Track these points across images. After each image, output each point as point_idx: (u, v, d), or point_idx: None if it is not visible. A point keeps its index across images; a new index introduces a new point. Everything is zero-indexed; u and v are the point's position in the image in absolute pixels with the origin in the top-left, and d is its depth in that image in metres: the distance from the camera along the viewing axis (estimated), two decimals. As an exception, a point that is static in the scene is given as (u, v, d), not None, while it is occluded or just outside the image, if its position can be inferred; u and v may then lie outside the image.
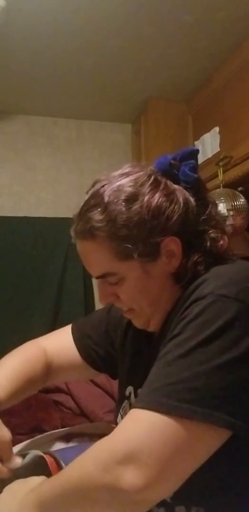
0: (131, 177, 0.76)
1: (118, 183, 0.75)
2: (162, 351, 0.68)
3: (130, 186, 0.75)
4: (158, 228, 0.73)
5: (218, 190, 2.13)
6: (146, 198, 0.74)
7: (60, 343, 1.09)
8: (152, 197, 0.74)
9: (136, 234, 0.73)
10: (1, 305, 2.61)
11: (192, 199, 0.77)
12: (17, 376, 0.94)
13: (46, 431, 1.67)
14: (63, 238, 2.74)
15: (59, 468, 0.84)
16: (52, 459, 0.87)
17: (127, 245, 0.73)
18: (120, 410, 0.90)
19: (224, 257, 0.79)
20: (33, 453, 0.91)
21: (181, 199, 0.75)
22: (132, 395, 0.87)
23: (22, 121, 2.87)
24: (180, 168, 0.78)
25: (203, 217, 0.78)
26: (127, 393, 0.89)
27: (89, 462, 0.65)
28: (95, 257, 0.78)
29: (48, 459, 0.87)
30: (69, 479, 0.67)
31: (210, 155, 2.37)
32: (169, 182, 0.77)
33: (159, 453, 0.60)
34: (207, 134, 2.40)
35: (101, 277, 0.78)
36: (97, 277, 0.79)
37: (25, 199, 2.85)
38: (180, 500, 0.73)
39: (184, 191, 0.77)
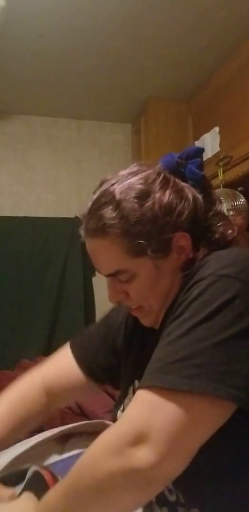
0: (140, 175, 0.76)
1: (128, 181, 0.76)
2: (164, 333, 0.69)
3: (140, 183, 0.75)
4: (169, 224, 0.74)
5: (218, 190, 2.13)
6: (157, 195, 0.74)
7: (59, 366, 1.05)
8: (163, 194, 0.74)
9: (148, 230, 0.73)
10: (2, 305, 2.61)
11: (199, 196, 0.78)
12: (9, 419, 0.94)
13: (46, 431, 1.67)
14: (63, 238, 2.75)
15: (56, 482, 0.84)
16: (49, 474, 0.87)
17: (140, 241, 0.74)
18: (121, 406, 0.90)
19: (229, 246, 0.80)
20: (30, 471, 0.90)
21: (190, 196, 0.76)
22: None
23: (22, 121, 2.87)
24: (186, 166, 0.79)
25: (211, 213, 0.79)
26: (131, 390, 0.88)
27: (99, 451, 0.65)
28: (107, 255, 0.77)
29: (46, 475, 0.87)
30: (81, 474, 0.67)
31: (210, 155, 2.37)
32: (177, 180, 0.78)
33: (166, 429, 0.61)
34: (207, 134, 2.40)
35: (113, 275, 0.78)
36: (108, 275, 0.79)
37: (25, 199, 2.85)
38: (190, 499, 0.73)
39: (192, 188, 0.78)
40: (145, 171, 0.78)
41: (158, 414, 0.62)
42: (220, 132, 2.30)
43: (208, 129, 2.39)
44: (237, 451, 0.70)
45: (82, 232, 0.81)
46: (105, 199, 0.76)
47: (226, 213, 2.01)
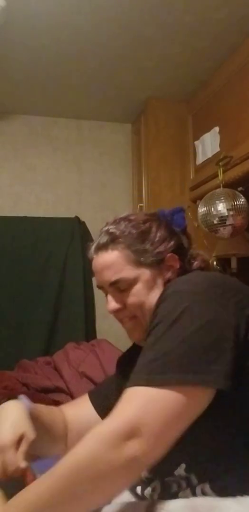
0: (139, 216, 1.02)
1: (131, 217, 1.01)
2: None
3: (142, 218, 1.01)
4: (163, 247, 0.98)
5: (218, 190, 2.13)
6: (154, 225, 1.00)
7: (80, 410, 1.15)
8: (159, 226, 1.00)
9: (147, 248, 0.96)
10: (1, 305, 2.61)
11: (183, 236, 1.05)
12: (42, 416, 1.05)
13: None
14: (63, 238, 2.75)
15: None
16: (29, 471, 0.88)
17: (141, 254, 0.96)
18: None
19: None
20: None
21: (175, 232, 1.03)
22: None
23: (22, 121, 2.87)
24: (172, 218, 1.05)
25: (189, 250, 1.04)
26: None
27: (94, 443, 0.74)
28: (114, 264, 0.96)
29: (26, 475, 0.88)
30: (77, 467, 0.73)
31: (210, 155, 2.38)
32: (167, 222, 1.03)
33: (156, 420, 0.72)
34: (207, 134, 2.40)
35: (115, 282, 0.95)
36: (111, 284, 0.96)
37: (25, 199, 2.85)
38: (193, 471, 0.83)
39: (178, 230, 1.04)
40: (148, 216, 1.03)
41: (147, 408, 0.73)
42: (220, 132, 2.30)
43: (208, 129, 2.39)
44: (238, 428, 0.81)
45: (92, 251, 0.99)
46: (114, 226, 0.99)
47: (226, 213, 2.03)
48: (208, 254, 2.69)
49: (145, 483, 0.90)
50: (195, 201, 2.49)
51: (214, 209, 2.08)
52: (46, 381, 2.04)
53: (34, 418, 0.97)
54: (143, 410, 0.72)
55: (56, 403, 1.94)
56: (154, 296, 0.94)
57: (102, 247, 0.97)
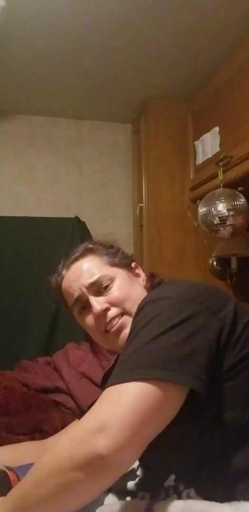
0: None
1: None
2: None
3: (108, 244, 1.13)
4: (129, 257, 1.13)
5: (218, 190, 2.13)
6: (118, 248, 1.13)
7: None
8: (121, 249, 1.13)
9: (117, 254, 1.09)
10: (1, 305, 2.61)
11: None
12: None
13: (46, 431, 1.67)
14: (63, 238, 2.74)
15: None
16: (15, 477, 0.89)
17: (113, 257, 1.07)
18: None
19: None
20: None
21: None
22: None
23: (22, 121, 2.87)
24: None
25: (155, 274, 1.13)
26: None
27: (64, 440, 0.74)
28: (90, 267, 1.04)
29: (11, 476, 0.89)
30: (43, 461, 0.75)
31: (210, 155, 2.37)
32: None
33: (125, 417, 0.70)
34: (207, 134, 2.40)
35: (95, 282, 1.01)
36: (91, 284, 1.01)
37: (25, 199, 2.85)
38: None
39: None
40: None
41: (117, 405, 0.72)
42: (220, 132, 2.30)
43: (208, 129, 2.39)
44: (221, 434, 0.80)
45: (71, 260, 1.10)
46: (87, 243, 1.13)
47: (226, 213, 2.03)
48: (208, 254, 2.71)
49: (133, 493, 0.89)
50: (195, 201, 2.49)
51: (214, 209, 2.08)
52: (46, 381, 2.04)
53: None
54: (110, 406, 0.73)
55: (56, 403, 1.94)
56: (137, 290, 1.02)
57: (77, 258, 1.07)
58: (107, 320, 1.00)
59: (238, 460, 0.79)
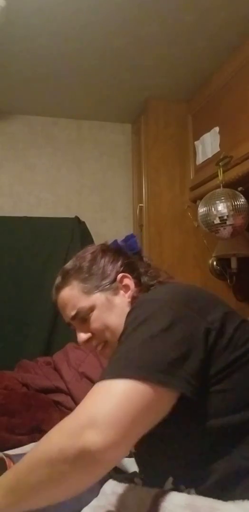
0: (90, 249, 1.11)
1: (80, 254, 1.11)
2: None
3: (90, 253, 1.10)
4: (110, 268, 1.06)
5: (218, 190, 2.13)
6: (99, 256, 1.08)
7: None
8: (104, 254, 1.09)
9: (94, 273, 1.05)
10: (1, 305, 2.61)
11: (138, 258, 1.15)
12: None
13: (46, 432, 1.67)
14: (63, 238, 2.74)
15: None
16: (11, 462, 0.91)
17: (91, 282, 1.04)
18: None
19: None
20: None
21: (122, 254, 1.11)
22: None
23: (22, 121, 2.87)
24: (127, 244, 1.15)
25: (148, 270, 1.11)
26: None
27: (55, 432, 0.76)
28: (69, 299, 1.05)
29: (8, 462, 0.91)
30: (35, 451, 0.77)
31: (210, 155, 2.37)
32: (115, 247, 1.13)
33: (115, 415, 0.71)
34: (207, 134, 2.40)
35: (75, 315, 1.03)
36: (72, 318, 1.04)
37: (25, 199, 2.85)
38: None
39: (127, 254, 1.13)
40: (94, 248, 1.12)
41: (108, 400, 0.73)
42: (220, 132, 2.30)
43: (208, 129, 2.39)
44: (217, 433, 0.81)
45: (53, 294, 1.09)
46: (70, 262, 1.10)
47: (226, 213, 2.03)
48: (208, 254, 2.71)
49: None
50: (195, 201, 2.49)
51: (214, 209, 2.08)
52: (46, 381, 2.03)
53: None
54: (102, 401, 0.74)
55: (56, 403, 1.94)
56: (116, 316, 1.01)
57: (58, 288, 1.07)
58: (93, 347, 1.06)
59: (236, 461, 0.79)
